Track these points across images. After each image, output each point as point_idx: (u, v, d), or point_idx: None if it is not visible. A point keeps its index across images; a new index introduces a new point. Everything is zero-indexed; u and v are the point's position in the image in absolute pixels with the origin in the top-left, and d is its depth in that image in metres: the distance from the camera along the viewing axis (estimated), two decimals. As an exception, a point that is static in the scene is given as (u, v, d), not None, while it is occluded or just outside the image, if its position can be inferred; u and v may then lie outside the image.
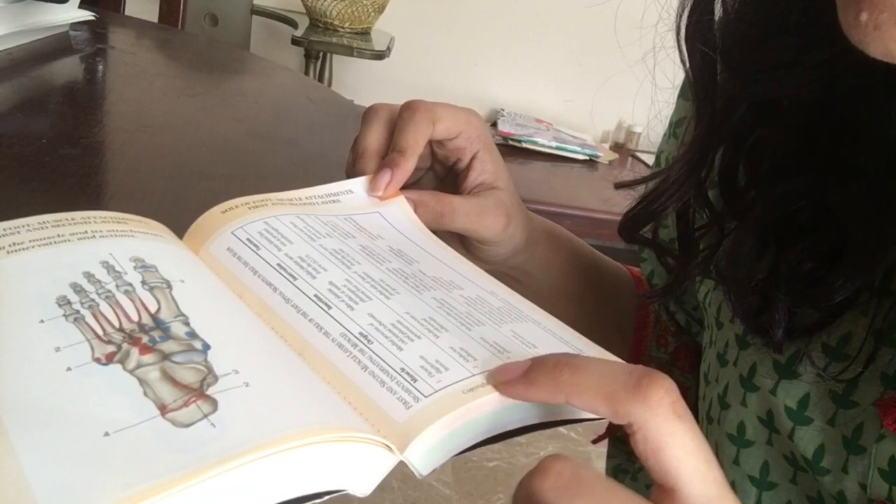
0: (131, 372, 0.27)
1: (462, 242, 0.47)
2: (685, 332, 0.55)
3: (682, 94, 0.51)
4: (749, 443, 0.38)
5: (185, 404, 0.25)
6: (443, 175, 0.48)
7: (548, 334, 0.33)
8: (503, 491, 1.59)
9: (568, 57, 2.52)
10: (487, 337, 0.31)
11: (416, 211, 0.42)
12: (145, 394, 0.26)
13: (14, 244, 0.33)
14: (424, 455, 0.26)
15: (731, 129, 0.37)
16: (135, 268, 0.33)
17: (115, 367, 0.27)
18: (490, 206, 0.44)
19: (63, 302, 0.30)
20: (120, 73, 0.88)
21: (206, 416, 0.25)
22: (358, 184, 0.43)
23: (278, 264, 0.35)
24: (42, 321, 0.29)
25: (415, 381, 0.28)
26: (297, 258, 0.35)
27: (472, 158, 0.45)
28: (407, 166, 0.41)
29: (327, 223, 0.39)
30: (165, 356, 0.28)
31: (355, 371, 0.29)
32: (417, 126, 0.42)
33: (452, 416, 0.27)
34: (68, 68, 0.86)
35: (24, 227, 0.35)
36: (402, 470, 0.26)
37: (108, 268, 0.33)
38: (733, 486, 0.39)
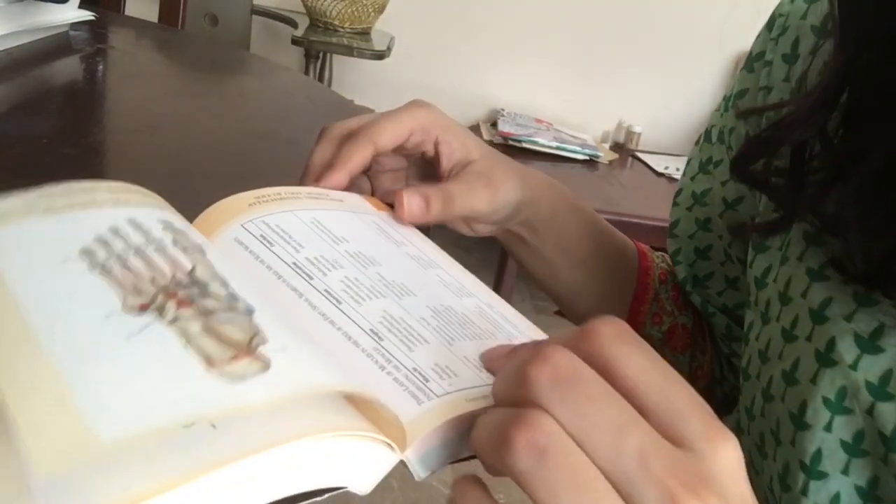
0: (170, 323, 0.23)
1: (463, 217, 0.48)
2: (701, 314, 0.55)
3: (747, 67, 0.50)
4: (806, 426, 0.38)
5: (235, 359, 0.23)
6: (422, 166, 0.49)
7: None
8: (503, 492, 1.58)
9: (568, 57, 2.52)
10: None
11: (428, 206, 0.43)
12: (186, 346, 0.23)
13: (48, 208, 0.33)
14: (424, 456, 0.26)
15: (868, 62, 0.36)
16: (164, 228, 0.31)
17: (150, 317, 0.24)
18: (473, 181, 0.45)
19: (88, 253, 0.27)
20: (120, 73, 0.88)
21: (259, 373, 0.22)
22: (350, 198, 0.43)
23: (294, 263, 0.34)
24: (65, 275, 0.26)
25: (427, 381, 0.28)
26: (313, 258, 0.35)
27: (436, 145, 0.46)
28: (333, 179, 0.42)
29: (340, 224, 0.39)
30: (207, 312, 0.25)
31: (365, 366, 0.29)
32: (353, 148, 0.43)
33: (456, 421, 0.26)
34: (68, 68, 0.86)
35: (56, 193, 0.34)
36: (401, 470, 0.26)
37: (136, 225, 0.30)
38: (786, 469, 0.39)
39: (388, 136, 0.44)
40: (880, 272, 0.35)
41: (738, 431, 0.47)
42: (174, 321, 0.24)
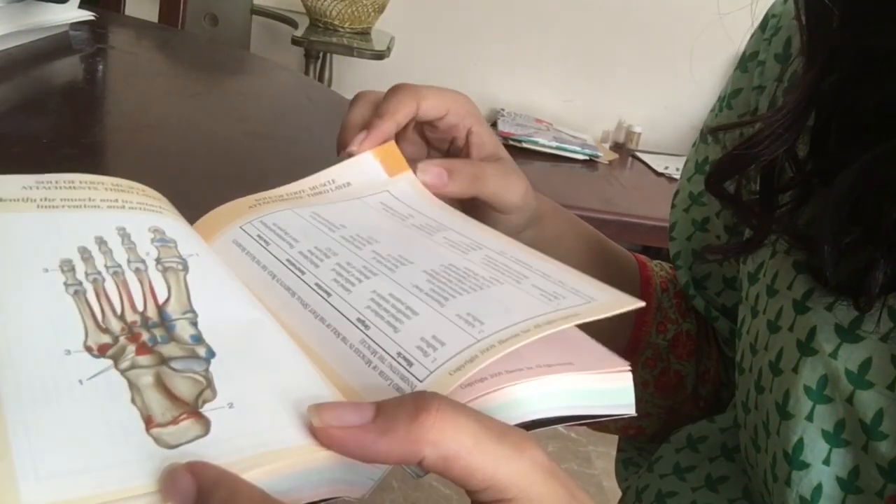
0: (122, 372, 0.25)
1: (480, 217, 0.47)
2: (705, 319, 0.55)
3: (740, 67, 0.51)
4: (789, 415, 0.38)
5: (175, 421, 0.23)
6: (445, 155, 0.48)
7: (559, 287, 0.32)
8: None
9: (568, 57, 2.52)
10: (504, 295, 0.31)
11: (451, 177, 0.42)
12: (133, 400, 0.24)
13: (46, 199, 0.33)
14: None
15: (837, 83, 0.36)
16: (152, 240, 0.32)
17: (106, 363, 0.25)
18: (510, 171, 0.45)
19: (67, 268, 0.28)
20: (120, 73, 0.88)
21: (195, 439, 0.23)
22: (363, 163, 0.43)
23: (287, 259, 0.34)
24: (42, 288, 0.28)
25: (411, 364, 0.27)
26: (307, 251, 0.35)
27: (469, 134, 0.45)
28: (384, 127, 0.42)
29: (340, 213, 0.39)
30: (163, 360, 0.26)
31: (353, 364, 0.28)
32: (400, 98, 0.43)
33: None
34: (68, 68, 0.86)
35: (54, 183, 0.34)
36: (401, 470, 0.26)
37: (125, 235, 0.31)
38: (774, 460, 0.39)
39: (431, 101, 0.44)
40: (851, 286, 0.35)
41: (735, 426, 0.47)
42: (128, 369, 0.25)
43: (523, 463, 0.23)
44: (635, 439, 0.60)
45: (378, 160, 0.43)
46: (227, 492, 0.21)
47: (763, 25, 0.50)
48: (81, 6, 0.95)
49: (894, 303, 0.35)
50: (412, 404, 0.23)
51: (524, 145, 2.23)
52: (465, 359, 0.27)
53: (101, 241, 0.31)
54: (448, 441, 0.22)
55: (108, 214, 0.33)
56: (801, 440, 0.37)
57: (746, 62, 0.50)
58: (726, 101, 0.52)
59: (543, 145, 2.25)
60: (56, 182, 0.35)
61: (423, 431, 0.22)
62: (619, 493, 0.57)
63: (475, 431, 0.23)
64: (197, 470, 0.22)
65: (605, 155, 2.37)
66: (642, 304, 0.30)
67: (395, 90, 0.44)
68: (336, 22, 2.12)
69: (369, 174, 0.42)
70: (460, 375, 0.26)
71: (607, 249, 0.56)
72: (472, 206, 0.45)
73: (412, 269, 0.33)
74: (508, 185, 0.44)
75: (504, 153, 0.47)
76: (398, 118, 0.43)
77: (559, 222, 0.52)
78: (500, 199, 0.45)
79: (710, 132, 0.51)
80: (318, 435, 0.23)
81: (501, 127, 2.27)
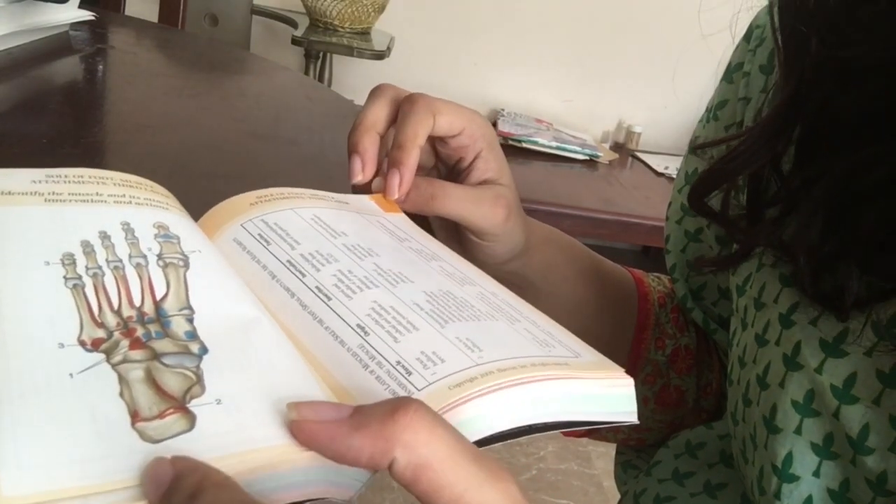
0: (114, 366, 0.25)
1: (460, 241, 0.46)
2: (704, 330, 0.55)
3: (726, 78, 0.50)
4: (777, 429, 0.38)
5: (161, 415, 0.23)
6: (445, 175, 0.48)
7: (549, 336, 0.32)
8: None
9: (568, 57, 2.52)
10: (501, 331, 0.31)
11: (408, 194, 0.42)
12: (121, 394, 0.24)
13: (53, 193, 0.33)
14: None
15: (815, 97, 0.36)
16: (156, 236, 0.32)
17: (98, 357, 0.25)
18: (488, 196, 0.44)
19: (69, 261, 0.29)
20: (120, 73, 0.88)
21: (179, 434, 0.23)
22: (358, 198, 0.43)
23: (288, 261, 0.34)
24: (41, 281, 0.28)
25: (409, 374, 0.27)
26: (308, 254, 0.35)
27: (476, 157, 0.44)
28: (410, 160, 0.41)
29: (340, 220, 0.39)
30: (156, 355, 0.26)
31: (350, 367, 0.28)
32: (417, 118, 0.41)
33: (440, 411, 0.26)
34: (68, 68, 0.86)
35: (63, 177, 0.34)
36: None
37: (129, 230, 0.32)
38: (762, 473, 0.39)
39: (447, 118, 0.42)
40: (832, 297, 0.35)
41: (727, 436, 0.47)
42: (120, 363, 0.25)
43: (495, 493, 0.22)
44: (635, 449, 0.60)
45: (373, 201, 0.43)
46: (200, 475, 0.21)
47: (748, 36, 0.49)
48: (81, 6, 0.95)
49: (878, 317, 0.35)
50: (390, 404, 0.22)
51: (524, 145, 2.23)
52: (465, 377, 0.27)
53: (104, 236, 0.31)
54: (421, 446, 0.21)
55: (113, 209, 0.33)
56: (790, 453, 0.37)
57: (732, 73, 0.50)
58: (713, 112, 0.51)
59: (543, 145, 2.25)
60: (65, 176, 0.35)
61: (398, 430, 0.22)
62: (619, 494, 0.57)
63: (450, 444, 0.22)
64: (176, 460, 0.22)
65: (605, 155, 2.37)
66: (626, 376, 0.30)
67: (412, 104, 0.42)
68: (336, 22, 2.12)
69: (364, 206, 0.43)
70: (459, 392, 0.26)
71: (602, 271, 0.55)
72: (454, 228, 0.45)
73: (413, 288, 0.33)
74: (478, 211, 0.43)
75: (505, 181, 0.45)
76: (419, 142, 0.41)
77: (549, 252, 0.51)
78: (466, 222, 0.44)
79: (696, 148, 0.51)
80: (294, 430, 0.23)
81: (501, 127, 2.28)
